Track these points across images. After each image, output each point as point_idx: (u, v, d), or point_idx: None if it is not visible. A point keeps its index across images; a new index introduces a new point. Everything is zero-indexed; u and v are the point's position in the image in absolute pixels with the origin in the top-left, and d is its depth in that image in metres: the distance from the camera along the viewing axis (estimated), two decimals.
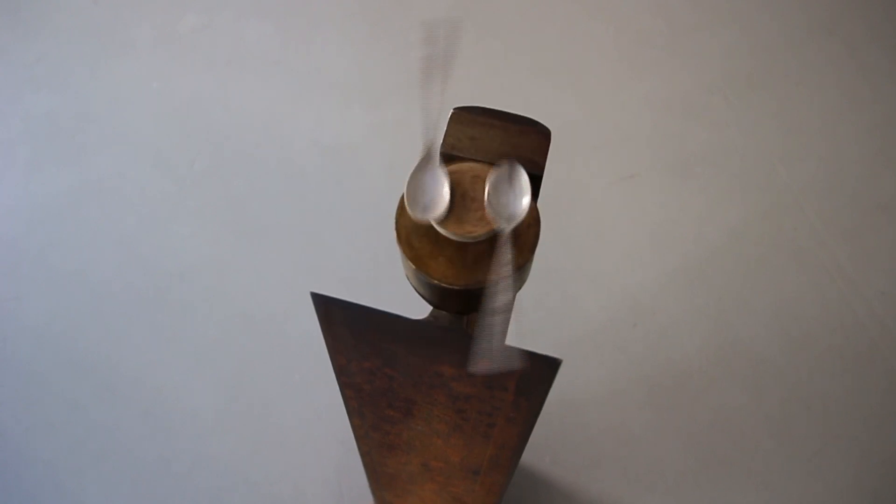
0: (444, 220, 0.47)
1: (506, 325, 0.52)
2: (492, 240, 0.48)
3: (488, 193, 0.48)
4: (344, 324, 0.47)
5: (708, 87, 1.59)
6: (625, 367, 1.22)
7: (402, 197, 0.49)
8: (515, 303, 0.58)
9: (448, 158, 0.53)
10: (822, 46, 1.68)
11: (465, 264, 0.48)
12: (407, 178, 0.47)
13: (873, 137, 1.52)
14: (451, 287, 0.48)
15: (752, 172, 1.47)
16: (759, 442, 1.16)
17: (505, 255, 0.46)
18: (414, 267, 0.48)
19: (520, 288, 0.52)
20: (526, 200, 0.48)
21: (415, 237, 0.49)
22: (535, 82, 1.60)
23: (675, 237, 1.37)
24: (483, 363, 0.42)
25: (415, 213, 0.47)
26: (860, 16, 1.73)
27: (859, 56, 1.65)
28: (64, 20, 1.69)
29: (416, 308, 0.51)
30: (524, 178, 0.48)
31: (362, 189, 1.41)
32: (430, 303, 0.52)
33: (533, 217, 0.50)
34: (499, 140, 0.53)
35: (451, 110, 0.55)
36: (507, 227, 0.47)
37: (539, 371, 0.44)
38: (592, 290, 1.30)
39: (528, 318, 1.25)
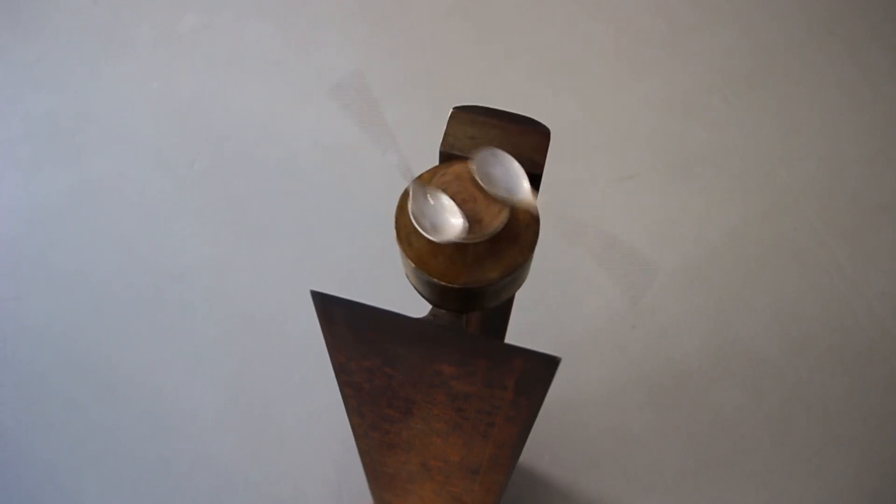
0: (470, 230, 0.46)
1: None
2: (492, 239, 0.48)
3: (482, 180, 0.47)
4: (344, 322, 0.47)
5: (708, 87, 1.59)
6: (624, 367, 1.22)
7: (402, 197, 0.49)
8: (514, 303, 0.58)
9: (448, 158, 0.53)
10: (822, 46, 1.68)
11: (465, 263, 0.48)
12: (411, 213, 0.46)
13: (873, 137, 1.52)
14: (450, 286, 0.48)
15: (752, 172, 1.47)
16: (758, 442, 1.16)
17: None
18: (414, 266, 0.48)
19: (519, 287, 0.52)
20: (518, 168, 0.47)
21: (414, 236, 0.49)
22: (535, 82, 1.60)
23: (675, 237, 1.37)
24: None
25: (442, 239, 0.46)
26: (860, 16, 1.73)
27: (859, 56, 1.65)
28: (64, 20, 1.69)
29: (416, 307, 0.51)
30: (508, 158, 0.48)
31: (362, 189, 1.41)
32: (430, 301, 0.52)
33: (532, 216, 0.50)
34: (498, 139, 0.54)
35: (451, 109, 0.55)
36: (516, 195, 0.46)
37: (538, 369, 0.44)
38: (592, 289, 1.30)
39: (528, 318, 1.25)
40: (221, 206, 1.40)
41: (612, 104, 1.57)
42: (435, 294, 0.50)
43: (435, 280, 0.48)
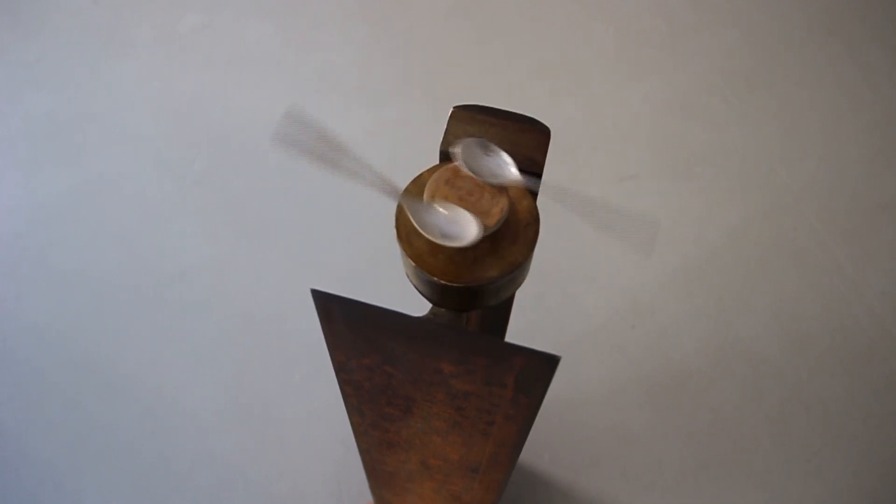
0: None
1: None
2: (493, 237, 0.48)
3: (472, 171, 0.47)
4: (344, 320, 0.47)
5: (708, 87, 1.60)
6: (624, 367, 1.22)
7: (402, 196, 0.49)
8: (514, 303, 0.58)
9: (447, 157, 0.53)
10: (822, 46, 1.68)
11: (466, 262, 0.48)
12: (419, 227, 0.46)
13: (873, 137, 1.52)
14: (451, 284, 0.48)
15: (752, 172, 1.47)
16: (758, 442, 1.16)
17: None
18: (414, 265, 0.48)
19: (519, 286, 0.52)
20: (499, 150, 0.47)
21: (415, 235, 0.49)
22: (535, 82, 1.60)
23: (675, 237, 1.37)
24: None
25: (462, 244, 0.45)
26: (860, 16, 1.73)
27: (859, 56, 1.65)
28: (64, 20, 1.69)
29: (416, 305, 0.51)
30: (486, 143, 0.48)
31: (362, 188, 1.41)
32: (430, 300, 0.52)
33: (532, 216, 0.50)
34: (498, 138, 0.54)
35: (451, 109, 0.55)
36: (507, 176, 0.46)
37: (538, 368, 0.44)
38: (591, 289, 1.30)
39: (528, 317, 1.25)
40: (221, 206, 1.40)
41: (612, 104, 1.57)
42: (435, 293, 0.50)
43: (435, 279, 0.48)
